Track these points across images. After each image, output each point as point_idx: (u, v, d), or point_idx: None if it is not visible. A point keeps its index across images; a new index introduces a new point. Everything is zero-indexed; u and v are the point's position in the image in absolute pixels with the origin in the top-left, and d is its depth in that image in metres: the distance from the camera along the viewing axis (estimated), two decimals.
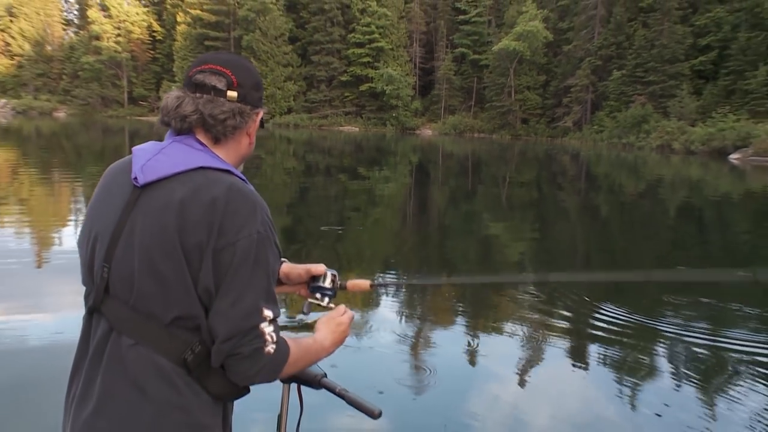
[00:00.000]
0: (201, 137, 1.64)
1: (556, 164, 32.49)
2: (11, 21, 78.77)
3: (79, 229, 1.70)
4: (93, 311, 1.59)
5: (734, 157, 33.37)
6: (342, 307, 2.00)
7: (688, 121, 40.20)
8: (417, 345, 6.30)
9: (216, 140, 1.66)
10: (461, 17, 61.14)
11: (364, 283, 2.17)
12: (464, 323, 7.41)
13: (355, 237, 13.22)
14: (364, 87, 61.80)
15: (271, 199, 17.59)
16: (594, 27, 50.27)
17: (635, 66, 46.37)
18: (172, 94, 1.64)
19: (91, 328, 1.59)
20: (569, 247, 13.53)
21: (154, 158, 1.59)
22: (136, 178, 1.57)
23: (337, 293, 2.09)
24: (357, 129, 59.60)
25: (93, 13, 73.41)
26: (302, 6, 64.42)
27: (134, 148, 1.66)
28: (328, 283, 2.07)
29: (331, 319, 1.93)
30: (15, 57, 78.80)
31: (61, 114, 68.42)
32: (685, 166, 30.88)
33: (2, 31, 79.23)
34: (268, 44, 62.00)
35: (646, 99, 44.73)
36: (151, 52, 73.94)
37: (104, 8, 73.22)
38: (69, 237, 11.70)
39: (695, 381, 5.65)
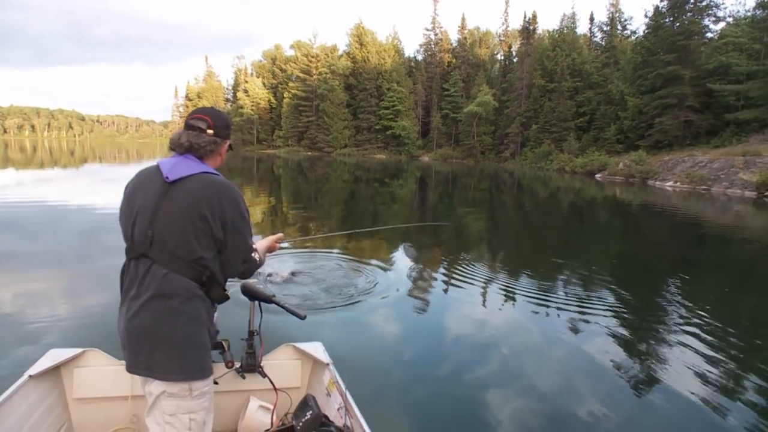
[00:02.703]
0: (192, 156, 1.54)
1: (500, 178, 32.57)
2: (199, 100, 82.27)
3: (121, 209, 1.55)
4: (139, 257, 1.47)
5: (598, 176, 33.79)
6: (268, 238, 1.97)
7: (574, 154, 40.54)
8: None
9: (200, 158, 1.56)
10: (446, 93, 61.21)
11: (279, 235, 2.06)
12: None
13: (383, 212, 13.76)
14: (389, 132, 61.68)
15: (334, 193, 19.73)
16: (521, 100, 50.80)
17: (544, 122, 46.84)
18: (176, 133, 1.57)
19: (137, 268, 1.47)
20: (504, 220, 13.99)
21: (175, 166, 1.50)
22: (167, 177, 1.48)
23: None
24: (384, 157, 59.33)
25: (240, 95, 74.88)
26: (354, 86, 64.61)
27: (160, 161, 1.54)
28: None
29: (264, 240, 1.94)
30: None
31: None
32: (571, 180, 31.14)
33: (194, 106, 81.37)
34: (334, 108, 62.38)
35: (551, 142, 45.22)
36: (270, 113, 74.05)
37: (246, 91, 74.05)
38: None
39: None
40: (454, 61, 64.49)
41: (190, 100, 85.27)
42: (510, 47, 62.87)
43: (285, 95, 68.21)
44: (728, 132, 31.79)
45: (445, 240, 9.96)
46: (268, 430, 1.82)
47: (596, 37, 53.77)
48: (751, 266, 8.45)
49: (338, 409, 1.87)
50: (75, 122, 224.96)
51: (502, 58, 64.13)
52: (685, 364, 3.97)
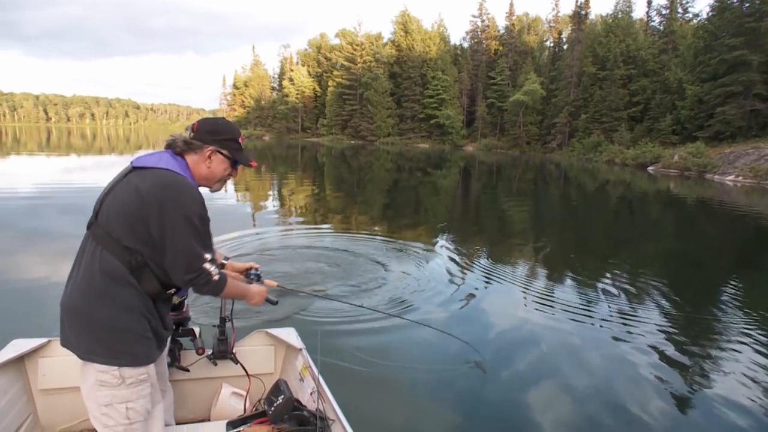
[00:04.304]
0: (170, 153, 1.55)
1: (546, 170, 31.89)
2: (245, 89, 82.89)
3: None
4: (88, 228, 1.49)
5: (651, 169, 32.41)
6: (263, 288, 1.83)
7: (625, 146, 38.88)
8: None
9: (178, 154, 1.55)
10: (491, 81, 59.91)
11: (272, 282, 1.95)
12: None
13: (425, 205, 13.75)
14: (432, 121, 61.13)
15: (375, 182, 19.61)
16: (570, 89, 49.09)
17: (594, 112, 45.07)
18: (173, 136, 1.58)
19: (85, 241, 1.48)
20: (548, 213, 13.81)
21: (149, 156, 1.51)
22: (132, 162, 1.50)
23: (260, 279, 1.92)
24: (427, 146, 58.83)
25: (286, 83, 75.47)
26: (398, 75, 64.27)
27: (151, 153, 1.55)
28: (257, 272, 1.90)
29: (260, 286, 1.82)
30: (246, 107, 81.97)
31: (266, 137, 69.94)
32: (621, 173, 30.03)
33: (241, 94, 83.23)
34: (378, 97, 62.36)
35: (600, 132, 43.50)
36: (314, 102, 74.55)
37: (291, 80, 74.79)
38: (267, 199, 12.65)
39: None
40: (501, 48, 62.78)
41: (237, 88, 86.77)
42: (560, 33, 60.64)
43: (329, 84, 68.42)
44: None
45: (483, 231, 9.79)
46: (241, 415, 1.80)
47: (654, 21, 50.91)
48: None
49: (311, 394, 1.85)
50: (131, 110, 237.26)
51: (552, 45, 62.15)
52: (737, 374, 3.74)
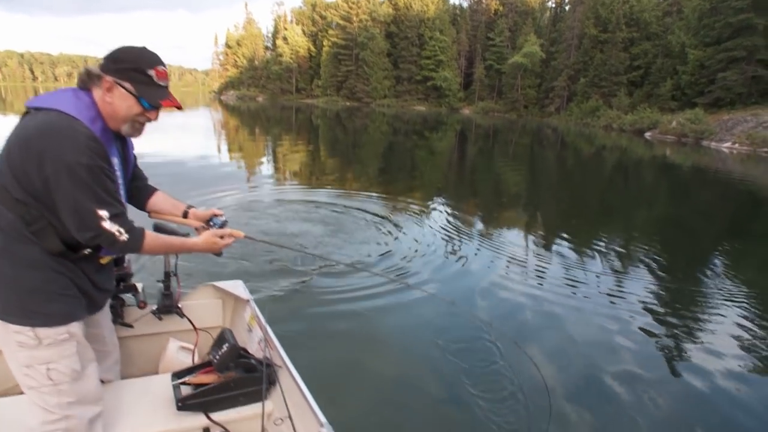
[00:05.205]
0: (77, 89, 1.38)
1: (543, 134, 31.82)
2: (238, 48, 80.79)
3: None
4: None
5: (648, 135, 32.23)
6: (227, 231, 1.66)
7: (623, 111, 38.50)
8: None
9: (85, 89, 1.38)
10: (490, 43, 58.57)
11: (239, 232, 1.69)
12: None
13: (420, 168, 13.70)
14: (429, 83, 60.10)
15: (373, 145, 19.54)
16: (570, 51, 48.04)
17: (593, 76, 44.33)
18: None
19: None
20: (543, 178, 13.77)
21: (44, 95, 1.34)
22: (26, 103, 1.35)
23: (224, 226, 1.71)
24: (424, 108, 58.08)
25: (279, 42, 73.29)
26: (395, 34, 62.57)
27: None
28: (220, 220, 1.73)
29: (213, 234, 1.61)
30: (238, 67, 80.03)
31: (260, 99, 69.00)
32: (618, 138, 30.01)
33: (234, 54, 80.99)
34: (374, 57, 60.93)
35: (599, 97, 42.91)
36: (309, 62, 72.93)
37: (285, 39, 72.72)
38: (246, 156, 12.53)
39: None
40: (501, 8, 60.91)
41: (229, 47, 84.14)
42: None
43: (324, 43, 66.74)
44: None
45: (476, 195, 9.72)
46: (187, 367, 1.77)
47: None
48: None
49: (259, 343, 1.85)
50: None
51: (553, 5, 60.12)
52: (722, 338, 3.80)
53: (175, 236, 1.58)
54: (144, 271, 3.94)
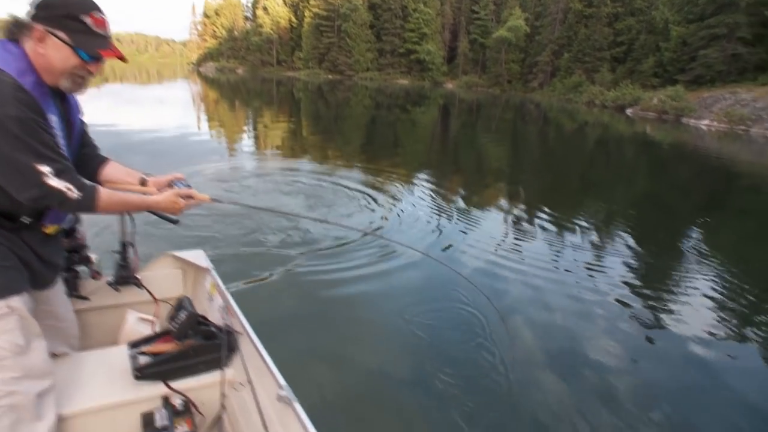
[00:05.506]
0: (7, 41, 1.26)
1: (526, 109, 31.86)
2: (217, 18, 79.16)
3: None
4: None
5: (629, 111, 32.52)
6: (191, 192, 1.55)
7: (606, 87, 38.60)
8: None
9: (13, 40, 1.26)
10: (475, 16, 57.90)
11: (204, 195, 1.59)
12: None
13: (402, 141, 13.74)
14: (413, 56, 59.62)
15: (355, 118, 19.34)
16: (555, 26, 47.80)
17: (577, 51, 44.28)
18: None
19: None
20: (525, 153, 13.88)
21: None
22: None
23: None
24: (407, 82, 57.76)
25: (259, 12, 71.76)
26: (378, 6, 61.33)
27: None
28: (183, 183, 1.62)
29: (175, 193, 1.51)
30: (217, 38, 78.75)
31: (240, 70, 67.96)
32: (600, 114, 30.23)
33: (213, 24, 79.32)
34: (357, 29, 59.88)
35: (582, 72, 43.00)
36: (290, 33, 71.55)
37: (265, 9, 71.09)
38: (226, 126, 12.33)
39: None
40: None
41: (208, 17, 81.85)
42: None
43: (306, 14, 65.24)
44: None
45: (458, 169, 9.69)
46: (145, 336, 1.74)
47: None
48: None
49: (219, 311, 1.84)
50: None
51: None
52: (693, 308, 3.89)
53: (133, 193, 1.49)
54: (99, 241, 3.75)
